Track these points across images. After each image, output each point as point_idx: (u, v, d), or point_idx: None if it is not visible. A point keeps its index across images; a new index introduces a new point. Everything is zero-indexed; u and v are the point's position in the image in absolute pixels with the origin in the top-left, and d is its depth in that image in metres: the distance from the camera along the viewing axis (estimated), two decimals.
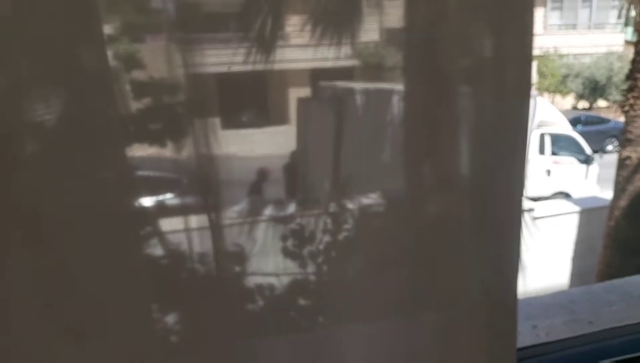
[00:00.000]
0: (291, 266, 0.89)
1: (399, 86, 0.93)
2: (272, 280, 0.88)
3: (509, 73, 0.79)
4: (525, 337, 1.11)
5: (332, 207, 0.97)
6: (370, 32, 1.00)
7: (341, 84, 1.16)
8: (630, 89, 5.27)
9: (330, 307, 0.90)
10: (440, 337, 0.86)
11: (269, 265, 0.88)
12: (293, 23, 1.00)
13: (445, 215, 0.94)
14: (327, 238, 0.94)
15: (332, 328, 0.89)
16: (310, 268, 0.90)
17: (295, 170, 1.04)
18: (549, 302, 1.33)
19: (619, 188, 5.45)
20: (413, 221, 0.90)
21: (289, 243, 0.89)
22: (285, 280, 0.89)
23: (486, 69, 0.80)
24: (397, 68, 0.97)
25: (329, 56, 0.96)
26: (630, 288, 1.40)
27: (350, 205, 0.98)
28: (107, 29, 0.74)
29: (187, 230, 0.84)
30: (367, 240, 0.94)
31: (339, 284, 0.91)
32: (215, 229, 0.81)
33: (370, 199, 0.99)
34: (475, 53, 0.82)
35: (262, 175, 0.98)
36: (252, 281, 0.85)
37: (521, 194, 0.84)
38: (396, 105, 0.96)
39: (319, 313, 0.91)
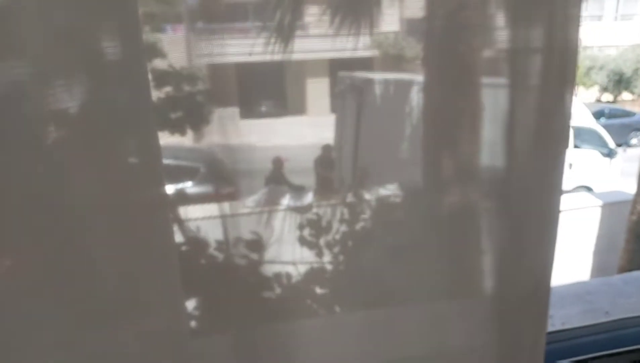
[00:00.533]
0: (308, 254, 0.90)
1: (419, 77, 0.92)
2: (289, 268, 0.89)
3: (551, 64, 0.78)
4: None
5: (349, 197, 0.98)
6: (390, 22, 0.99)
7: (360, 74, 1.15)
8: None
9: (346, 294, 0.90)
10: (463, 323, 0.86)
11: (286, 253, 0.89)
12: (312, 13, 0.99)
13: (465, 205, 0.93)
14: (343, 228, 0.94)
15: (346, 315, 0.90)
16: (327, 257, 0.91)
17: (329, 163, 1.05)
18: (566, 293, 1.32)
19: None
20: (432, 211, 0.89)
21: (306, 232, 0.90)
22: (302, 268, 0.90)
23: (527, 61, 0.80)
24: (417, 59, 0.96)
25: (348, 46, 0.96)
26: None
27: (367, 196, 0.98)
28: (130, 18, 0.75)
29: (206, 218, 0.85)
30: (385, 230, 0.94)
31: (355, 273, 0.92)
32: (234, 217, 0.82)
33: (388, 190, 0.99)
34: (514, 44, 0.81)
35: (277, 164, 0.99)
36: (270, 269, 0.86)
37: (560, 187, 0.83)
38: (415, 96, 0.96)
39: (335, 301, 0.92)
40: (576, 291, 1.30)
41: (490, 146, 0.90)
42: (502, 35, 0.85)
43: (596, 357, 1.06)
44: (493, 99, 0.88)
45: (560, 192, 0.84)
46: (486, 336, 0.86)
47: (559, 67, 0.78)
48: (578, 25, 0.77)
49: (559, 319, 1.14)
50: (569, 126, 0.82)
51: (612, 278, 1.53)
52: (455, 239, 0.89)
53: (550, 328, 1.12)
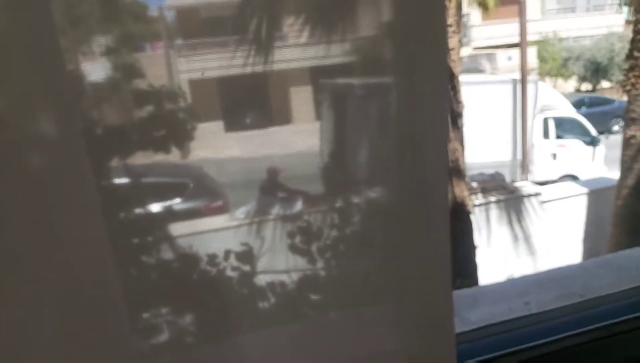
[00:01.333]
0: (300, 262, 0.90)
1: (398, 79, 0.93)
2: (283, 277, 0.89)
3: (423, 62, 0.79)
4: (518, 313, 1.14)
5: (339, 202, 0.98)
6: (368, 26, 1.01)
7: (342, 80, 1.17)
8: (631, 69, 5.25)
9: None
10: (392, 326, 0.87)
11: (278, 262, 0.89)
12: (289, 23, 1.00)
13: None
14: (334, 233, 0.95)
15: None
16: (320, 264, 0.91)
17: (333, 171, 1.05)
18: (542, 279, 1.35)
19: (626, 167, 5.43)
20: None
21: (297, 239, 0.90)
22: (295, 276, 0.90)
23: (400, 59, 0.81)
24: (393, 61, 0.97)
25: (328, 53, 0.97)
26: (622, 261, 1.41)
27: (356, 199, 0.99)
28: (107, 40, 0.75)
29: (196, 233, 0.85)
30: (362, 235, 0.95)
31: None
32: (224, 230, 0.82)
33: (374, 192, 1.00)
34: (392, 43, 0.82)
35: (273, 174, 0.99)
36: (262, 279, 0.87)
37: (444, 188, 0.84)
38: (394, 99, 0.97)
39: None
40: (552, 277, 1.33)
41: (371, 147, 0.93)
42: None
43: (567, 337, 1.08)
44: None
45: (446, 192, 0.85)
46: (392, 341, 0.87)
47: (429, 64, 0.80)
48: (445, 35, 0.79)
49: (535, 305, 1.17)
50: (445, 124, 0.83)
51: (587, 262, 1.58)
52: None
53: (527, 313, 1.15)
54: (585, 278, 1.29)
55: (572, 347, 1.08)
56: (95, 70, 0.75)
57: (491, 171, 7.31)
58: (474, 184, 6.84)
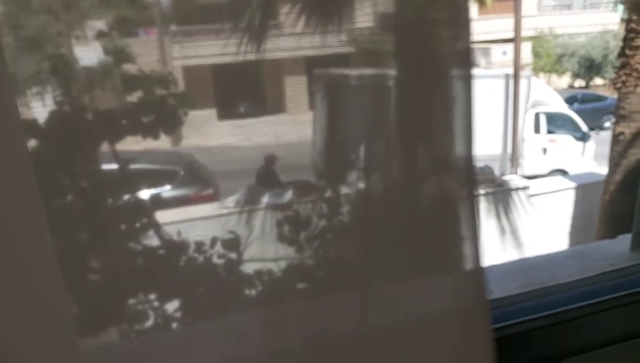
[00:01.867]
0: (288, 251, 0.91)
1: (393, 71, 0.94)
2: (270, 265, 0.90)
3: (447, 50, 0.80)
4: None
5: (328, 192, 0.99)
6: (364, 18, 1.01)
7: (336, 71, 1.17)
8: (622, 66, 5.28)
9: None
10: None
11: (267, 251, 0.90)
12: (285, 11, 1.00)
13: (440, 197, 0.95)
14: (323, 223, 0.95)
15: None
16: (307, 253, 0.92)
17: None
18: (509, 269, 1.36)
19: (614, 163, 5.49)
20: (404, 204, 0.91)
21: (285, 229, 0.91)
22: (282, 264, 0.91)
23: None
24: (390, 53, 0.98)
25: (324, 43, 0.97)
26: (591, 252, 1.40)
27: (345, 190, 1.00)
28: (100, 24, 0.75)
29: (185, 221, 0.86)
30: (361, 223, 0.96)
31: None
32: (213, 218, 0.82)
33: (368, 183, 1.01)
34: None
35: (269, 161, 0.99)
36: (249, 267, 0.87)
37: (473, 187, 0.85)
38: (391, 90, 0.97)
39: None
40: (519, 267, 1.33)
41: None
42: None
43: (520, 322, 1.10)
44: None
45: (473, 192, 0.87)
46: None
47: (454, 55, 0.80)
48: (468, 25, 0.80)
49: (498, 294, 1.19)
50: (472, 119, 0.84)
51: (557, 252, 1.57)
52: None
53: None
54: (552, 269, 1.29)
55: (525, 332, 1.10)
56: (87, 54, 0.74)
57: (481, 164, 7.35)
58: None
